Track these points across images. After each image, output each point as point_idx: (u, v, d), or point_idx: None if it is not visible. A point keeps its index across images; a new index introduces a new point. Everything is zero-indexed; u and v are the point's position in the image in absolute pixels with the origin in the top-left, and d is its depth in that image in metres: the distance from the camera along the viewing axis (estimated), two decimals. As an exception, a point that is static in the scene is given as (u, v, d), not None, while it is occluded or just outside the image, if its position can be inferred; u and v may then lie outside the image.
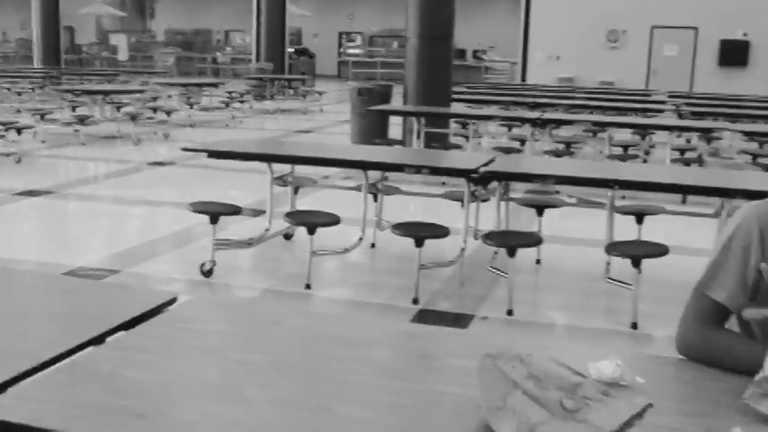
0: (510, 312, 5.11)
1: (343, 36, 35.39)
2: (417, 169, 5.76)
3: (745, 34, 20.54)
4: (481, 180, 5.51)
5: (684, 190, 6.13)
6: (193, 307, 2.43)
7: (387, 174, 6.92)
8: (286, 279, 5.91)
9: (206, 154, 6.15)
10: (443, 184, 8.16)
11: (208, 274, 5.66)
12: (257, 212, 7.28)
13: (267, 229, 6.18)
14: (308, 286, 5.49)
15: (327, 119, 17.87)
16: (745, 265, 1.97)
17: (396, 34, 32.83)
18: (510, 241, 5.20)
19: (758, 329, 2.02)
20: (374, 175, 6.61)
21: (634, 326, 4.95)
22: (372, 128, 11.46)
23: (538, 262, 6.18)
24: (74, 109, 14.27)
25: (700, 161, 9.48)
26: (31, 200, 8.41)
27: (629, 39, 21.58)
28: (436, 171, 5.99)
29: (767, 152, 10.32)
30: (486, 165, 5.46)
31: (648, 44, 21.43)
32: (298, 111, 18.98)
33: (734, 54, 20.59)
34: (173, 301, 2.30)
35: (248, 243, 6.02)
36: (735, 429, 1.64)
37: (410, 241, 5.31)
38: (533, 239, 5.28)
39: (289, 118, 17.74)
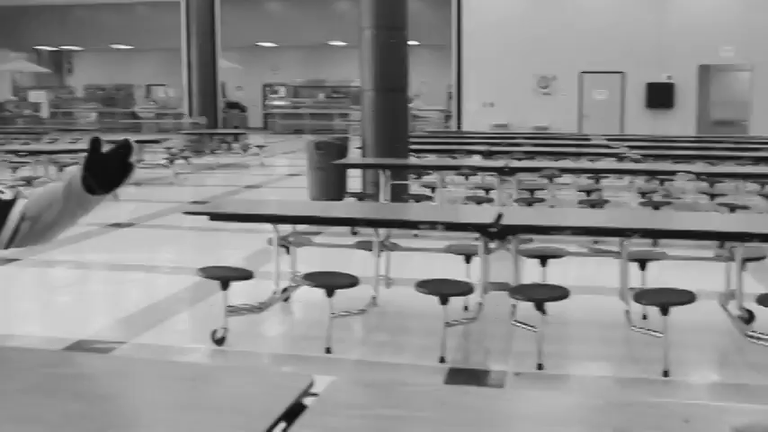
0: (540, 366, 5.09)
1: (267, 87, 35.30)
2: (432, 225, 5.72)
3: (669, 77, 21.31)
4: (498, 234, 5.48)
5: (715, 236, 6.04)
6: (340, 389, 2.28)
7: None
8: (303, 342, 5.77)
9: (208, 216, 6.03)
10: (415, 236, 8.18)
11: (220, 342, 5.48)
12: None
13: (275, 292, 6.03)
14: (327, 350, 5.37)
15: (272, 172, 17.75)
16: None
17: (319, 84, 32.94)
18: (536, 295, 5.19)
19: None
20: (368, 231, 6.57)
21: (665, 373, 4.99)
22: (332, 182, 11.38)
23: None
24: (14, 170, 13.78)
25: (662, 203, 9.64)
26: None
27: (560, 84, 22.13)
28: (452, 227, 5.94)
29: (722, 191, 10.67)
30: (498, 219, 5.43)
31: (578, 89, 22.00)
32: (238, 165, 18.78)
33: (659, 96, 21.35)
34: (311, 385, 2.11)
35: (259, 308, 5.85)
36: None
37: (417, 298, 5.28)
38: (560, 292, 5.27)
39: (231, 173, 17.53)
